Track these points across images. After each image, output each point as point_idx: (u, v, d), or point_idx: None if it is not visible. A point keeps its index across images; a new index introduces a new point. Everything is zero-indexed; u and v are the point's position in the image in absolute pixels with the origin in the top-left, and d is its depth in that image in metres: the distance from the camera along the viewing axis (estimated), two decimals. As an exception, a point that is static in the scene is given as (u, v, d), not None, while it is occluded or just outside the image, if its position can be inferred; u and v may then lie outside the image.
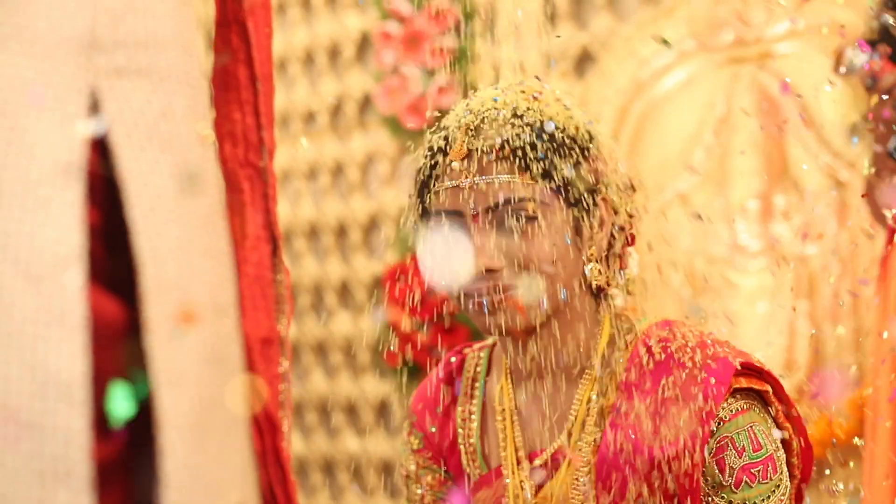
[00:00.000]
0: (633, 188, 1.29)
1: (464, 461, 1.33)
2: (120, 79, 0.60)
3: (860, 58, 1.96)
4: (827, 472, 2.52)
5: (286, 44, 3.79)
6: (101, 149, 0.60)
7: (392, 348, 3.29)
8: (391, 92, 3.42)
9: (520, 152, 1.16)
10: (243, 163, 0.83)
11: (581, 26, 3.18)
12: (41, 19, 0.58)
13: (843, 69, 2.00)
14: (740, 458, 1.16)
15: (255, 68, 0.82)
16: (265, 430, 0.76)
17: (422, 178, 1.22)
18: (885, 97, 1.96)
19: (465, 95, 1.29)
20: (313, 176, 3.80)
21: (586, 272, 1.22)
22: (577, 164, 1.18)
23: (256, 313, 0.81)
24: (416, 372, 3.13)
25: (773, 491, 1.17)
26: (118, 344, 0.58)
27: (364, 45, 3.64)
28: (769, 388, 1.20)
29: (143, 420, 0.58)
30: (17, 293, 0.55)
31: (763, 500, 1.16)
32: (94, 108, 0.60)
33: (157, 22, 0.62)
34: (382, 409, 3.60)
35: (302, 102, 3.79)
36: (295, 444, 3.79)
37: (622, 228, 1.26)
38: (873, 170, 2.08)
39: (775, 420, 1.20)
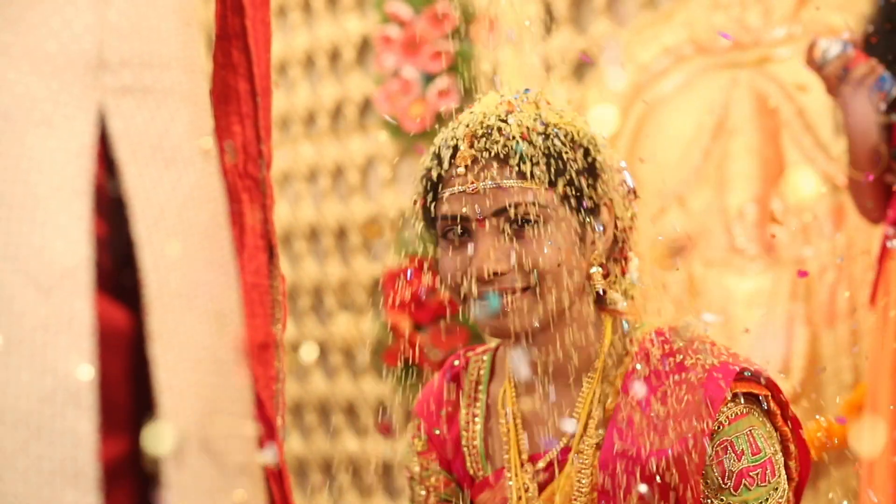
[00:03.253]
0: (634, 193, 1.31)
1: (467, 463, 1.34)
2: (126, 97, 0.62)
3: (833, 49, 1.97)
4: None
5: (287, 47, 3.81)
6: (107, 164, 0.62)
7: (392, 350, 3.30)
8: (391, 95, 3.44)
9: (524, 158, 1.18)
10: (242, 174, 0.85)
11: (580, 31, 3.19)
12: (51, 40, 0.60)
13: (816, 61, 2.00)
14: (739, 461, 1.17)
15: (255, 82, 0.84)
16: (262, 431, 0.78)
17: (428, 183, 1.24)
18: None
19: (465, 99, 1.31)
20: (313, 178, 3.81)
21: (589, 276, 1.24)
22: (580, 170, 1.20)
23: (254, 320, 0.83)
24: (415, 374, 3.15)
25: (772, 493, 1.18)
26: (124, 350, 0.60)
27: (364, 48, 3.65)
28: (768, 392, 1.21)
29: (151, 422, 0.60)
30: (27, 302, 0.57)
31: (761, 502, 1.17)
32: (101, 124, 0.62)
33: (161, 42, 0.64)
34: (381, 410, 3.61)
35: (302, 105, 3.80)
36: (295, 445, 3.80)
37: (624, 233, 1.28)
38: (851, 164, 2.10)
39: (773, 423, 1.22)
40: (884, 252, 2.12)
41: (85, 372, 0.56)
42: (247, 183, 0.86)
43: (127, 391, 0.60)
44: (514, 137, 1.19)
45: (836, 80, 1.98)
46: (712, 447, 1.17)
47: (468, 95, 3.14)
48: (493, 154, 1.19)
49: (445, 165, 1.22)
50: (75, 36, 0.61)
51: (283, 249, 3.86)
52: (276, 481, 0.80)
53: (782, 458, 1.22)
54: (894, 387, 2.01)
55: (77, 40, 0.61)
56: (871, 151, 2.08)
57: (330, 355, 3.74)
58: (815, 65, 2.01)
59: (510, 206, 1.18)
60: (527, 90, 1.27)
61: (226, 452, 0.61)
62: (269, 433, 0.80)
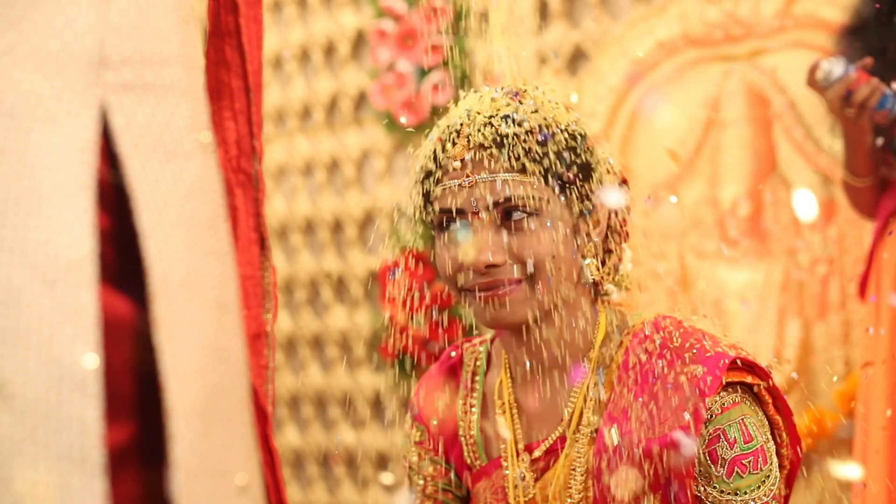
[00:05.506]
0: (626, 185, 1.33)
1: (464, 453, 1.36)
2: (127, 93, 0.64)
3: (837, 70, 1.94)
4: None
5: (282, 41, 3.81)
6: (110, 158, 0.64)
7: (388, 342, 3.31)
8: (386, 89, 3.45)
9: (519, 151, 1.19)
10: (236, 169, 0.87)
11: (574, 25, 3.20)
12: (54, 39, 0.62)
13: (818, 82, 1.98)
14: (732, 449, 1.19)
15: (248, 79, 0.86)
16: (256, 418, 0.80)
17: (423, 177, 1.26)
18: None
19: (460, 92, 1.32)
20: (309, 172, 3.82)
21: (583, 268, 1.25)
22: (573, 162, 1.22)
23: (248, 311, 0.85)
24: (411, 365, 3.16)
25: (764, 481, 1.20)
26: (128, 339, 0.62)
27: (359, 42, 3.66)
28: (760, 382, 1.23)
29: (154, 409, 0.62)
30: (34, 294, 0.58)
31: (753, 489, 1.19)
32: (104, 120, 0.64)
33: (161, 39, 0.66)
34: (377, 402, 3.63)
35: (298, 99, 3.81)
36: (292, 437, 3.81)
37: (618, 224, 1.30)
38: (848, 170, 2.11)
39: (765, 412, 1.23)
40: (876, 245, 2.14)
41: (90, 361, 0.58)
42: (240, 177, 0.88)
43: (131, 379, 0.62)
44: (507, 131, 1.20)
45: (839, 102, 1.96)
46: (705, 436, 1.19)
47: (462, 89, 3.15)
48: (487, 147, 1.20)
49: (441, 159, 1.23)
50: (78, 35, 0.63)
51: (279, 242, 3.87)
52: (269, 467, 0.82)
53: (774, 447, 1.23)
54: (887, 378, 2.03)
55: (79, 39, 0.63)
56: (869, 161, 2.09)
57: (326, 348, 3.75)
58: (818, 86, 1.98)
59: (505, 198, 1.20)
60: (520, 84, 1.29)
61: (228, 437, 0.63)
62: (260, 418, 0.82)
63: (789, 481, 1.29)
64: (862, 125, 1.98)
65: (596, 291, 1.30)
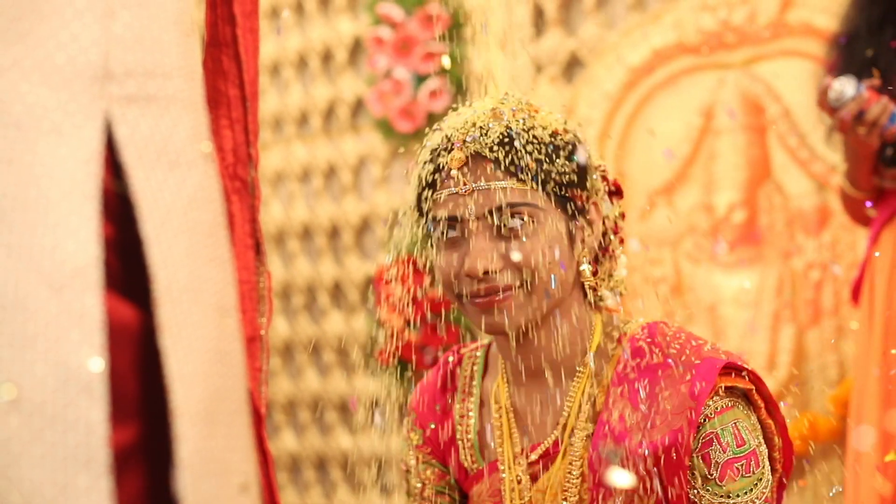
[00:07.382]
0: (620, 193, 1.34)
1: (462, 456, 1.37)
2: (131, 105, 0.66)
3: (849, 90, 1.93)
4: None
5: (280, 48, 3.83)
6: (114, 169, 0.65)
7: (384, 348, 3.32)
8: (383, 96, 3.46)
9: (515, 159, 1.21)
10: (232, 176, 0.89)
11: (569, 32, 3.22)
12: (60, 53, 0.64)
13: (831, 102, 1.96)
14: (724, 453, 1.20)
15: (245, 89, 0.88)
16: (251, 420, 0.82)
17: (420, 185, 1.27)
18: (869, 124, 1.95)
19: (456, 100, 1.34)
20: (306, 178, 3.84)
21: (578, 273, 1.27)
22: (568, 170, 1.23)
23: (244, 315, 0.87)
24: (408, 370, 3.17)
25: (756, 484, 1.21)
26: (132, 343, 0.64)
27: (356, 49, 3.68)
28: (752, 387, 1.24)
29: (157, 411, 0.63)
30: (41, 300, 0.60)
31: (746, 492, 1.20)
32: (108, 131, 0.65)
33: (163, 53, 0.68)
34: (374, 407, 3.63)
35: (295, 106, 3.82)
36: (288, 442, 3.82)
37: (611, 231, 1.32)
38: (848, 181, 2.11)
39: (758, 416, 1.25)
40: (871, 251, 2.15)
41: (96, 364, 0.60)
42: (236, 184, 0.90)
43: (135, 382, 0.64)
44: (503, 139, 1.22)
45: (851, 122, 1.96)
46: (698, 440, 1.20)
47: (459, 96, 3.17)
48: (483, 155, 1.22)
49: (438, 167, 1.25)
50: (82, 48, 0.65)
51: (276, 248, 3.89)
52: (263, 468, 0.84)
53: (766, 450, 1.25)
54: (881, 383, 2.04)
55: (84, 52, 0.65)
56: (872, 176, 2.10)
57: (323, 353, 3.76)
58: (829, 107, 1.96)
59: (501, 206, 1.21)
60: (515, 92, 1.31)
61: (230, 438, 0.65)
62: (255, 419, 0.83)
63: (781, 485, 1.30)
64: (870, 142, 1.98)
65: (591, 297, 1.31)
